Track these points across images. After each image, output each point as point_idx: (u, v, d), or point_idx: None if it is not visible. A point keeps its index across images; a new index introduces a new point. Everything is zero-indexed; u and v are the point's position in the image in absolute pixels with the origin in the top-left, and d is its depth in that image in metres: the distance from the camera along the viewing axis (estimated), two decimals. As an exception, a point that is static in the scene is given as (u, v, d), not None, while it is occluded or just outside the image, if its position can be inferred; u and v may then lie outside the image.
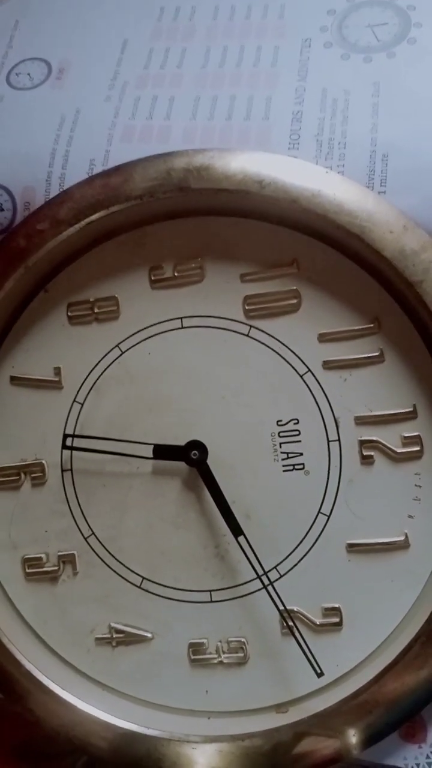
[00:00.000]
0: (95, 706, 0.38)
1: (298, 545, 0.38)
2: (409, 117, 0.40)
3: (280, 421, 0.38)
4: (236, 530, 0.37)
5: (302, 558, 0.38)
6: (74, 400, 0.40)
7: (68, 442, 0.40)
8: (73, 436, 0.40)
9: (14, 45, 0.47)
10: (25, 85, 0.45)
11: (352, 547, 0.37)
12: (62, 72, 0.46)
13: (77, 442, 0.39)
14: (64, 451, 0.40)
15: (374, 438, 0.38)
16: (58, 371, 0.40)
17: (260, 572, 0.37)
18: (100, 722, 0.38)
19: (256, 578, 0.38)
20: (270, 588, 0.37)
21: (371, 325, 0.38)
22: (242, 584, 0.38)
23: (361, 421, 0.38)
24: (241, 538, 0.37)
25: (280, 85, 0.42)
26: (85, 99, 0.44)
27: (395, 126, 0.40)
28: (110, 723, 0.38)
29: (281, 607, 0.37)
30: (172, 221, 0.40)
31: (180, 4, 0.47)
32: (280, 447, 0.38)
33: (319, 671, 0.36)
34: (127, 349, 0.40)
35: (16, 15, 0.49)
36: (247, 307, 0.39)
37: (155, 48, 0.45)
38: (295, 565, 0.38)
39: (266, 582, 0.37)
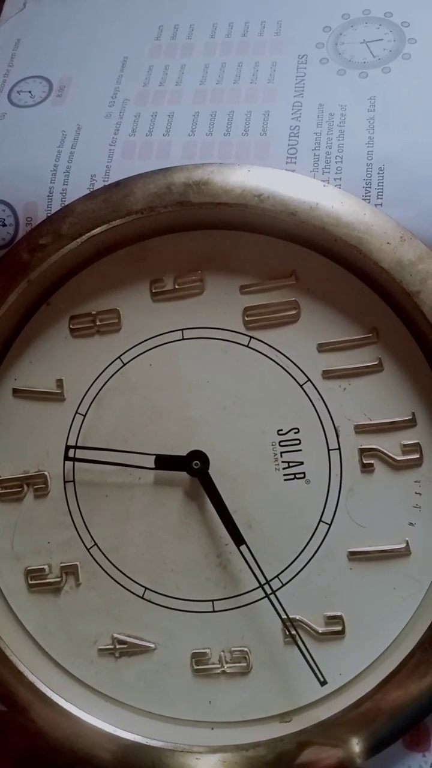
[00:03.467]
0: (99, 718, 0.38)
1: (300, 554, 0.38)
2: (404, 130, 0.41)
3: (281, 430, 0.39)
4: (238, 539, 0.37)
5: (304, 566, 0.38)
6: (76, 412, 0.40)
7: (71, 453, 0.40)
8: (76, 447, 0.40)
9: (15, 63, 0.48)
10: (26, 103, 0.46)
11: (354, 555, 0.38)
12: (63, 89, 0.46)
13: (79, 454, 0.40)
14: (66, 462, 0.40)
15: (374, 446, 0.38)
16: (60, 383, 0.41)
17: (262, 581, 0.37)
18: (104, 734, 0.38)
19: (258, 587, 0.38)
20: (272, 597, 0.37)
21: (370, 335, 0.38)
22: (245, 593, 0.38)
23: (360, 429, 0.38)
24: (243, 548, 0.37)
25: (278, 100, 0.43)
26: (85, 116, 0.45)
27: (391, 139, 0.41)
28: (114, 734, 0.38)
29: (284, 616, 0.37)
30: (173, 235, 0.40)
31: (179, 21, 0.48)
32: (281, 456, 0.39)
33: (322, 680, 0.36)
34: (129, 361, 0.40)
35: (17, 34, 0.49)
36: (246, 319, 0.39)
37: (155, 65, 0.46)
38: (297, 573, 0.38)
39: (269, 591, 0.37)
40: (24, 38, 0.49)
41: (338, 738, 0.36)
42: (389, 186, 0.39)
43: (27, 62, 0.48)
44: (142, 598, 0.39)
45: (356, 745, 0.36)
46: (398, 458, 0.38)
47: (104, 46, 0.48)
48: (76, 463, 0.40)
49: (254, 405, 0.39)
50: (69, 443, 0.40)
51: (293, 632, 0.37)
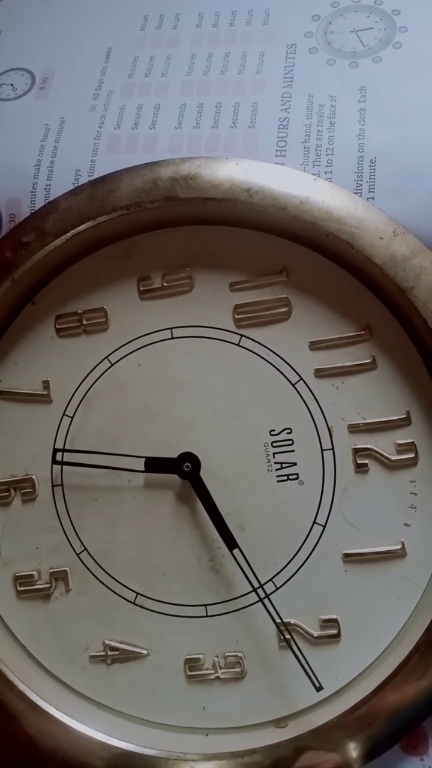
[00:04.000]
0: (91, 726, 0.38)
1: (294, 556, 0.37)
2: (396, 122, 0.40)
3: (273, 430, 0.38)
4: (231, 543, 0.37)
5: (298, 569, 0.37)
6: (64, 414, 0.40)
7: (58, 456, 0.39)
8: (63, 450, 0.39)
9: (-3, 55, 0.47)
10: (8, 96, 0.45)
11: (349, 557, 0.37)
12: (46, 82, 0.45)
13: (67, 457, 0.39)
14: (54, 466, 0.39)
15: (368, 446, 0.37)
16: (46, 384, 0.40)
17: (256, 585, 0.37)
18: (96, 742, 0.37)
19: (251, 591, 0.37)
20: (266, 601, 0.36)
21: (363, 332, 0.38)
22: (238, 597, 0.38)
23: (354, 429, 0.37)
24: (235, 551, 0.37)
25: (266, 91, 0.42)
26: (69, 109, 0.44)
27: (382, 131, 0.40)
28: (106, 743, 0.37)
29: (278, 620, 0.36)
30: (160, 231, 0.39)
31: (164, 11, 0.47)
32: (274, 457, 0.38)
33: (318, 685, 0.36)
34: (117, 361, 0.39)
35: (-1, 25, 0.48)
36: (237, 316, 0.39)
37: (140, 56, 0.45)
38: (291, 576, 0.37)
39: (262, 595, 0.37)
40: (5, 29, 0.48)
41: (335, 743, 0.36)
42: (381, 179, 0.39)
43: (8, 54, 0.47)
44: (133, 603, 0.38)
45: (353, 750, 0.36)
46: (393, 458, 0.37)
47: (88, 38, 0.47)
48: (64, 469, 0.39)
49: (246, 405, 0.38)
50: (57, 446, 0.39)
51: (288, 636, 0.36)
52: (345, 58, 0.42)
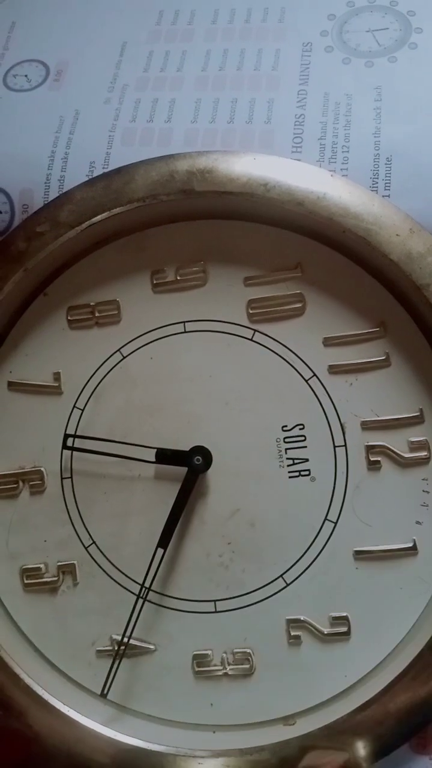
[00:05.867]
0: (97, 722, 0.37)
1: (305, 553, 0.37)
2: (411, 121, 0.40)
3: (286, 426, 0.38)
4: (164, 541, 0.37)
5: (309, 566, 0.37)
6: (74, 406, 0.39)
7: (69, 442, 0.38)
8: (75, 436, 0.39)
9: (11, 47, 0.47)
10: (22, 87, 0.45)
11: (360, 555, 0.37)
12: (60, 74, 0.45)
13: (78, 444, 0.38)
14: (64, 452, 0.39)
15: (381, 443, 0.37)
16: (57, 376, 0.39)
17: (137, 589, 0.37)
18: (103, 738, 0.37)
19: (261, 587, 0.37)
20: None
21: (377, 329, 0.37)
22: (247, 594, 0.37)
23: (367, 426, 0.37)
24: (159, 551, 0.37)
25: (282, 88, 0.42)
26: (84, 101, 0.43)
27: (398, 129, 0.40)
28: (113, 739, 0.37)
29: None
30: (175, 224, 0.39)
31: (179, 7, 0.46)
32: (286, 453, 0.38)
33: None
34: (129, 354, 0.39)
35: (13, 16, 0.48)
36: (250, 311, 0.38)
37: (155, 50, 0.45)
38: (302, 573, 0.37)
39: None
40: (19, 21, 0.48)
41: (344, 741, 0.35)
42: (397, 177, 0.39)
43: (23, 45, 0.47)
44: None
45: (362, 749, 0.35)
46: (406, 455, 0.37)
47: (102, 31, 0.47)
48: (73, 459, 0.39)
49: (258, 400, 0.38)
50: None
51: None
52: (361, 57, 0.43)
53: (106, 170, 0.40)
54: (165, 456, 0.38)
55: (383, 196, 0.38)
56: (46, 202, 0.40)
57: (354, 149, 0.40)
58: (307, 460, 0.38)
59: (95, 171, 0.41)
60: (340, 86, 0.42)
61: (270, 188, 0.37)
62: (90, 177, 0.40)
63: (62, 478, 0.39)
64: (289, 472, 0.38)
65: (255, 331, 0.38)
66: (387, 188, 0.39)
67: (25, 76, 0.45)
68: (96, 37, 0.46)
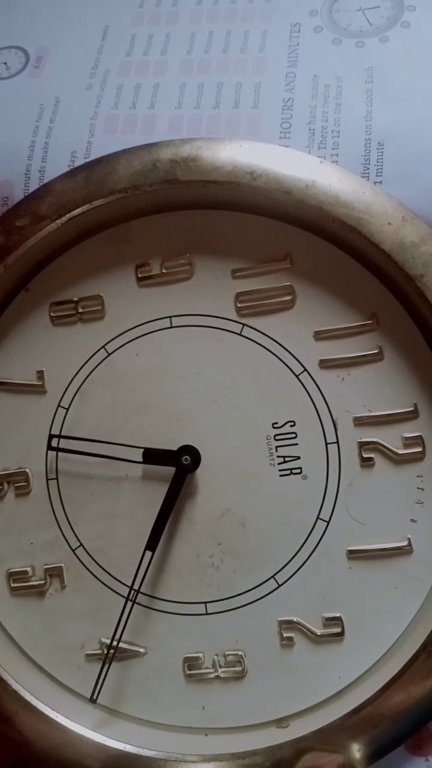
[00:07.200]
0: (87, 726, 0.37)
1: (297, 553, 0.36)
2: (404, 103, 0.39)
3: (276, 423, 0.37)
4: (152, 544, 0.36)
5: (301, 566, 0.36)
6: (59, 405, 0.38)
7: (53, 442, 0.38)
8: (60, 436, 0.38)
9: (-11, 32, 0.45)
10: (1, 75, 0.43)
11: (353, 554, 0.36)
12: (40, 60, 0.43)
13: (63, 444, 0.38)
14: (49, 453, 0.38)
15: (374, 439, 0.36)
16: (41, 375, 0.38)
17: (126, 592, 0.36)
18: (93, 743, 0.36)
19: (252, 588, 0.36)
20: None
21: (369, 322, 0.36)
22: (239, 595, 0.37)
23: (360, 421, 0.36)
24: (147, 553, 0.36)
25: (269, 71, 0.41)
26: (64, 88, 0.42)
27: (390, 113, 0.38)
28: (103, 744, 0.36)
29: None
30: (159, 215, 0.38)
31: (163, -12, 0.45)
32: (276, 450, 0.37)
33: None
34: (114, 351, 0.38)
35: (-9, 1, 0.46)
36: (239, 305, 0.37)
37: (138, 34, 0.43)
38: (294, 573, 0.36)
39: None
40: (-3, 5, 0.46)
41: (338, 744, 0.35)
42: (389, 162, 0.37)
43: (2, 32, 0.45)
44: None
45: (357, 751, 0.35)
46: (399, 452, 0.36)
47: (83, 15, 0.45)
48: (59, 460, 0.38)
49: (247, 397, 0.37)
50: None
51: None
52: (351, 37, 0.41)
53: (87, 160, 0.39)
54: (152, 456, 0.37)
55: (375, 182, 0.37)
56: (26, 195, 0.39)
57: (344, 134, 0.38)
58: (298, 457, 0.37)
59: (77, 161, 0.40)
60: (330, 68, 0.40)
61: (257, 176, 0.36)
62: (71, 167, 0.39)
63: (48, 479, 0.38)
64: (280, 470, 0.37)
65: (244, 325, 0.37)
66: (379, 174, 0.37)
67: (5, 63, 0.44)
68: (77, 21, 0.45)
